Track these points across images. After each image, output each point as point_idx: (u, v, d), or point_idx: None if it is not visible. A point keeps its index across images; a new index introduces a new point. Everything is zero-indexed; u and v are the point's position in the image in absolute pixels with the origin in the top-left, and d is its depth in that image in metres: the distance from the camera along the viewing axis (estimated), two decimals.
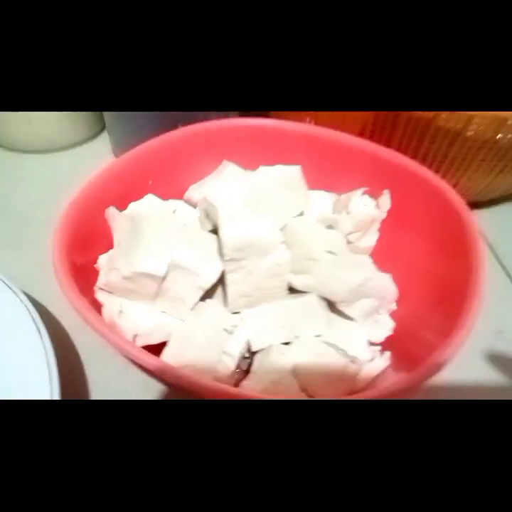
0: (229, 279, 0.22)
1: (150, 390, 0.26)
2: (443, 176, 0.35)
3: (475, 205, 0.42)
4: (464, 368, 0.28)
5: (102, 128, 0.44)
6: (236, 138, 0.32)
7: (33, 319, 0.24)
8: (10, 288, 0.25)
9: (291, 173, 0.24)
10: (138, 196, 0.29)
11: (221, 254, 0.22)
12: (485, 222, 0.41)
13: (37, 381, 0.22)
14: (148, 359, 0.19)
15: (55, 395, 0.21)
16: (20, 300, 0.24)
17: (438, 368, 0.20)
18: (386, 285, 0.25)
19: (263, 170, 0.25)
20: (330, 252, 0.22)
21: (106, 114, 0.40)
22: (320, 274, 0.22)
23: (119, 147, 0.41)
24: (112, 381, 0.26)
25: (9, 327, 0.24)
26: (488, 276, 0.35)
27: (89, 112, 0.42)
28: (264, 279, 0.22)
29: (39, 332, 0.23)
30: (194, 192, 0.30)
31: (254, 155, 0.31)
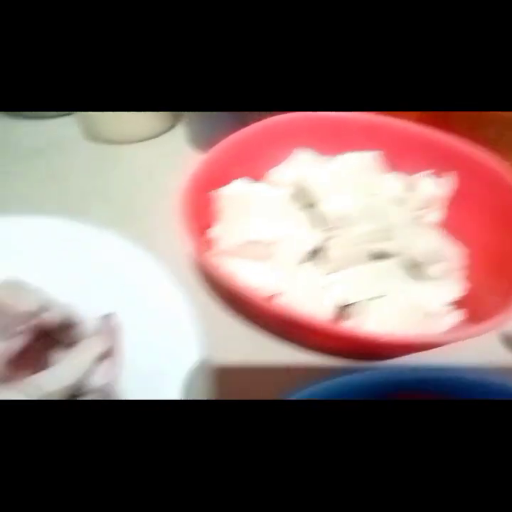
0: (325, 245, 0.27)
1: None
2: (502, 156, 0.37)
3: None
4: None
5: (178, 120, 0.49)
6: (306, 128, 0.35)
7: None
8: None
9: (367, 159, 0.28)
10: (227, 180, 0.33)
11: (317, 225, 0.27)
12: None
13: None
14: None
15: None
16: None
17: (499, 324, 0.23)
18: (455, 252, 0.29)
19: (342, 157, 0.29)
20: (405, 224, 0.26)
21: None
22: (402, 241, 0.26)
23: (197, 137, 0.46)
24: None
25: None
26: None
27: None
28: (353, 246, 0.27)
29: None
30: (274, 175, 0.35)
31: (323, 143, 0.35)
